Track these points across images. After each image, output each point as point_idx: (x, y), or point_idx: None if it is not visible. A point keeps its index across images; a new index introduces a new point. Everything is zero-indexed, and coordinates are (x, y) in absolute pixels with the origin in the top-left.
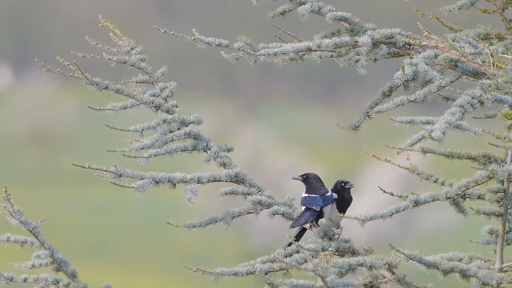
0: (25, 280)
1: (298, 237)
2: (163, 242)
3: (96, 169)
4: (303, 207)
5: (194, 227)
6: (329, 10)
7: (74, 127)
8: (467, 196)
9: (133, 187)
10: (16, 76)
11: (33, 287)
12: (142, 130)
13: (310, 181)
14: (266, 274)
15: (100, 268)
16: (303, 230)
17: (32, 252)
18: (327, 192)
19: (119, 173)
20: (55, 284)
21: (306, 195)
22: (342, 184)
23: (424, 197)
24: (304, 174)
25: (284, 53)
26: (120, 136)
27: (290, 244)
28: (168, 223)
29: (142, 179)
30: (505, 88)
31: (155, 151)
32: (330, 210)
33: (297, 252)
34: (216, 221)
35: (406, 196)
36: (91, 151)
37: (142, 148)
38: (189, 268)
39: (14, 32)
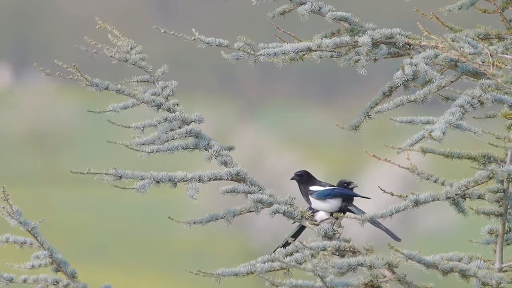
0: (24, 280)
1: (296, 235)
2: (164, 242)
3: (96, 173)
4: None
5: (195, 223)
6: (329, 10)
7: (74, 127)
8: (467, 196)
9: (134, 188)
10: (16, 76)
11: (33, 287)
12: (143, 127)
13: (307, 177)
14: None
15: (100, 268)
16: (301, 228)
17: (32, 252)
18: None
19: (119, 175)
20: (54, 284)
21: (328, 187)
22: (345, 184)
23: (424, 197)
24: (299, 175)
25: (284, 53)
26: (120, 136)
27: (287, 243)
28: (169, 217)
29: (142, 179)
30: (505, 88)
31: (157, 147)
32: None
33: (297, 251)
34: (217, 219)
35: (406, 196)
36: (91, 151)
37: (143, 144)
38: (189, 271)
39: (14, 32)
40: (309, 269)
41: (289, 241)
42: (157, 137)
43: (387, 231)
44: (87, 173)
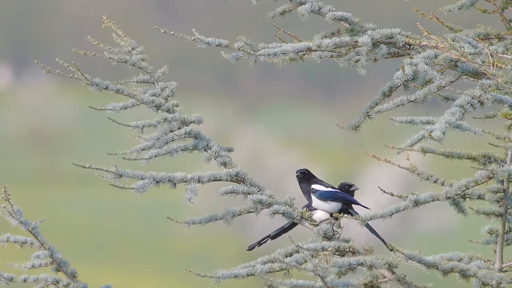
0: (25, 280)
1: (283, 232)
2: (163, 242)
3: (97, 169)
4: (329, 201)
5: (194, 223)
6: (329, 10)
7: (74, 127)
8: (467, 196)
9: (133, 188)
10: (16, 76)
11: (33, 287)
12: (143, 126)
13: (308, 176)
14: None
15: (100, 268)
16: (290, 226)
17: (32, 252)
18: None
19: (120, 173)
20: (55, 284)
21: (330, 189)
22: (347, 186)
23: (424, 197)
24: (302, 172)
25: (284, 53)
26: (120, 136)
27: (272, 237)
28: (168, 218)
29: (142, 179)
30: (505, 88)
31: (156, 152)
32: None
33: (297, 252)
34: (217, 219)
35: (406, 196)
36: (91, 151)
37: (143, 149)
38: (190, 271)
39: (14, 32)
40: (310, 269)
41: (271, 238)
42: (156, 137)
43: (378, 236)
44: (89, 167)
